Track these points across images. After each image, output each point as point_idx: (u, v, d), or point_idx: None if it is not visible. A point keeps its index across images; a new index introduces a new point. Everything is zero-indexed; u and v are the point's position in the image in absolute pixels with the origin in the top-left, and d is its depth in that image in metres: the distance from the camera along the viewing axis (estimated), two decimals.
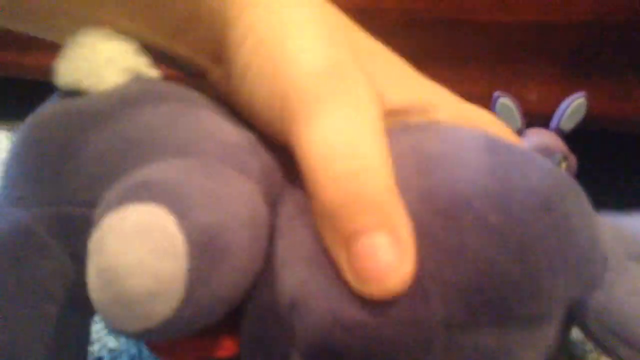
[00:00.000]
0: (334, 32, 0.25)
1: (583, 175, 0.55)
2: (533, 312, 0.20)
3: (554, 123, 0.52)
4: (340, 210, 0.19)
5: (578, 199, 0.24)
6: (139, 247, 0.17)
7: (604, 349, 0.22)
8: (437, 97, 0.29)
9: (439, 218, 0.20)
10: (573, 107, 0.51)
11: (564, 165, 0.51)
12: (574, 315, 0.22)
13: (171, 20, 0.25)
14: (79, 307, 0.20)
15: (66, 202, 0.21)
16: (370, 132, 0.21)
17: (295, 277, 0.21)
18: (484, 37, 0.55)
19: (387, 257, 0.19)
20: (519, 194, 0.21)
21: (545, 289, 0.21)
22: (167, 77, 0.26)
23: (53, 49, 0.24)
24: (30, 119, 0.24)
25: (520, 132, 0.51)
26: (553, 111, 0.52)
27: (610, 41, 0.52)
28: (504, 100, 0.51)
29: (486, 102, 0.52)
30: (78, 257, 0.19)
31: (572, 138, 0.52)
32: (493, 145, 0.23)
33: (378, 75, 0.25)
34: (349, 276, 0.19)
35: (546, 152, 0.51)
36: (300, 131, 0.21)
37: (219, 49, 0.25)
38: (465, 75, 0.56)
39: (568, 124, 0.51)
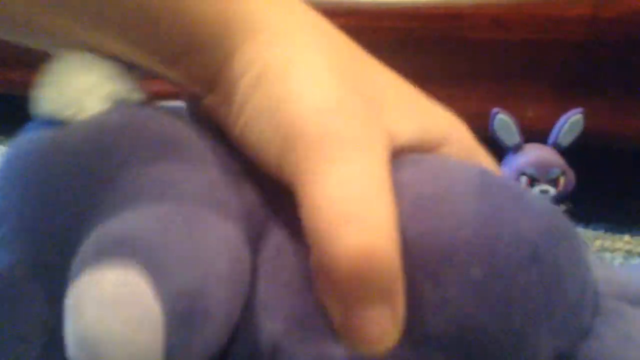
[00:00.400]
0: (342, 64, 0.23)
1: (581, 190, 0.55)
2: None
3: (552, 139, 0.52)
4: (348, 279, 0.19)
5: (570, 243, 0.22)
6: (115, 317, 0.16)
7: None
8: (448, 130, 0.27)
9: (421, 271, 0.20)
10: (570, 123, 0.51)
11: (562, 179, 0.51)
12: None
13: (169, 47, 0.24)
14: (59, 349, 0.19)
15: (46, 246, 0.21)
16: (379, 187, 0.20)
17: (277, 322, 0.20)
18: (480, 55, 0.55)
19: (384, 327, 0.19)
20: (506, 244, 0.20)
21: (529, 344, 0.20)
22: (153, 97, 0.25)
23: (41, 64, 0.23)
24: (9, 153, 0.23)
25: (518, 148, 0.52)
26: (550, 127, 0.53)
27: (605, 58, 0.53)
28: (502, 116, 0.51)
29: (483, 120, 0.53)
30: (57, 302, 0.18)
31: (570, 153, 0.52)
32: (486, 187, 0.22)
33: (388, 108, 0.24)
34: (342, 332, 0.19)
35: (544, 167, 0.51)
36: (307, 182, 0.20)
37: (216, 76, 0.24)
38: (461, 93, 0.57)
39: (566, 140, 0.52)
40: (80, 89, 0.22)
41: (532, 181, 0.51)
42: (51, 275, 0.20)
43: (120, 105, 0.23)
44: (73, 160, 0.21)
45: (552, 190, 0.51)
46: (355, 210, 0.19)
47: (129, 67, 0.25)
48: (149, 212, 0.19)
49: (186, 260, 0.18)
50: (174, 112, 0.25)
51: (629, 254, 0.51)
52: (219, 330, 0.19)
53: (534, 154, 0.52)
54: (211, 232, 0.20)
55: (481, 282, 0.19)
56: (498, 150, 0.53)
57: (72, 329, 0.17)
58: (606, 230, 0.56)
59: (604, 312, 0.22)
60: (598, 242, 0.53)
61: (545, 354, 0.20)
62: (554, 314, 0.20)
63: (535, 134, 0.54)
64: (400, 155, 0.23)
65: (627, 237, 0.54)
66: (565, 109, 0.52)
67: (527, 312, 0.19)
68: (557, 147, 0.52)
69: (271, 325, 0.20)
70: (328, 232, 0.19)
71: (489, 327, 0.19)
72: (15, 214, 0.21)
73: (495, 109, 0.52)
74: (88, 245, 0.18)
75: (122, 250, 0.17)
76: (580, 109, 0.51)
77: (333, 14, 0.28)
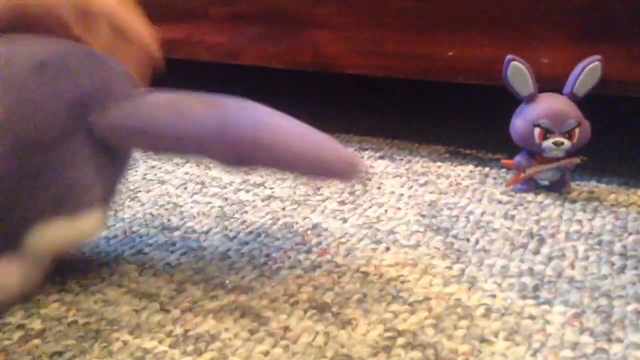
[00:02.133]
0: None
1: (597, 141, 0.53)
2: (50, 136, 0.34)
3: (567, 87, 0.50)
4: None
5: (83, 59, 0.36)
6: None
7: (134, 146, 0.39)
8: None
9: None
10: (587, 70, 0.49)
11: (577, 131, 0.49)
12: (97, 134, 0.35)
13: None
14: None
15: None
16: None
17: None
18: None
19: None
20: (18, 60, 0.34)
21: (51, 121, 0.34)
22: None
23: None
24: None
25: (532, 97, 0.50)
26: (566, 75, 0.50)
27: (625, 2, 0.49)
28: (517, 64, 0.48)
29: (497, 66, 0.50)
30: None
31: (585, 103, 0.50)
32: (13, 37, 0.35)
33: None
34: None
35: (559, 118, 0.49)
36: None
37: None
38: (474, 38, 0.54)
39: (582, 89, 0.49)
40: None
41: (546, 133, 0.49)
42: None
43: None
44: None
45: (567, 143, 0.49)
46: None
47: None
48: None
49: None
50: None
51: None
52: None
53: (549, 104, 0.49)
54: None
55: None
56: (512, 99, 0.51)
57: None
58: (620, 184, 0.54)
59: (129, 98, 0.37)
60: (612, 196, 0.51)
61: (69, 127, 0.35)
62: (65, 100, 0.34)
63: (550, 81, 0.51)
64: None
65: None
66: (584, 55, 0.49)
67: (39, 102, 0.34)
68: (572, 96, 0.50)
69: None
70: None
71: (19, 118, 0.33)
72: None
73: (509, 56, 0.49)
74: None
75: None
76: (598, 56, 0.49)
77: None
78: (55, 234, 0.35)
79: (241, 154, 0.36)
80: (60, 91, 0.34)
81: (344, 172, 0.37)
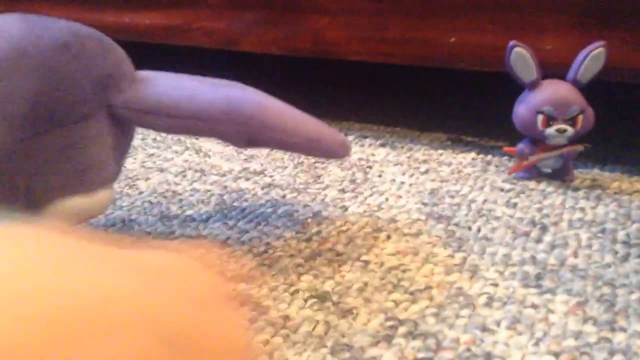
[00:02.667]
0: None
1: (600, 128, 0.52)
2: (77, 114, 0.35)
3: (571, 74, 0.49)
4: None
5: (96, 42, 0.37)
6: None
7: (149, 126, 0.40)
8: None
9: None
10: (591, 57, 0.48)
11: (580, 118, 0.48)
12: (115, 114, 0.38)
13: None
14: None
15: None
16: None
17: None
18: None
19: None
20: (44, 41, 0.35)
21: (79, 99, 0.35)
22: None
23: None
24: None
25: (536, 83, 0.49)
26: (570, 61, 0.49)
27: None
28: (519, 50, 0.48)
29: (500, 53, 0.49)
30: None
31: (590, 90, 0.49)
32: (25, 17, 0.36)
33: None
34: None
35: (563, 105, 0.48)
36: None
37: None
38: (477, 24, 0.53)
39: (586, 75, 0.49)
40: None
41: (549, 120, 0.48)
42: None
43: None
44: None
45: (570, 130, 0.49)
46: None
47: None
48: None
49: None
50: None
51: None
52: None
53: (552, 91, 0.49)
54: None
55: (33, 66, 0.35)
56: (514, 86, 0.50)
57: None
58: (623, 172, 0.53)
59: (130, 81, 0.38)
60: (615, 184, 0.51)
61: (95, 107, 0.36)
62: (90, 78, 0.36)
63: (553, 68, 0.50)
64: None
65: None
66: (588, 41, 0.48)
67: (70, 78, 0.35)
68: (576, 83, 0.49)
69: None
70: None
71: (49, 94, 0.35)
72: None
73: (512, 42, 0.48)
74: None
75: None
76: (602, 42, 0.48)
77: None
78: (72, 209, 0.36)
79: (248, 133, 0.39)
80: (84, 70, 0.36)
81: (339, 151, 0.42)
